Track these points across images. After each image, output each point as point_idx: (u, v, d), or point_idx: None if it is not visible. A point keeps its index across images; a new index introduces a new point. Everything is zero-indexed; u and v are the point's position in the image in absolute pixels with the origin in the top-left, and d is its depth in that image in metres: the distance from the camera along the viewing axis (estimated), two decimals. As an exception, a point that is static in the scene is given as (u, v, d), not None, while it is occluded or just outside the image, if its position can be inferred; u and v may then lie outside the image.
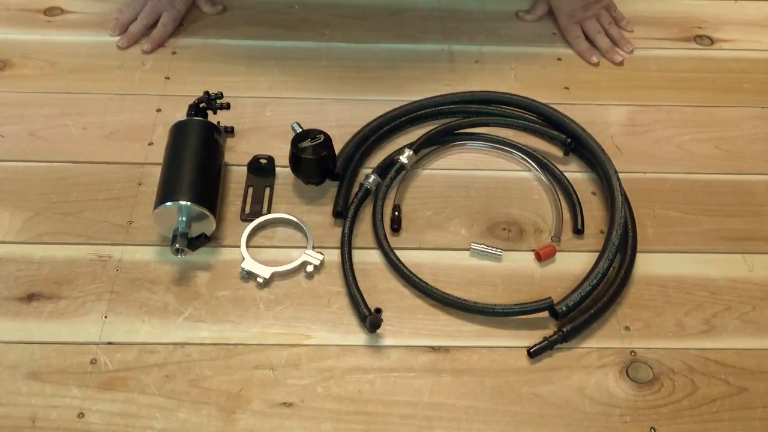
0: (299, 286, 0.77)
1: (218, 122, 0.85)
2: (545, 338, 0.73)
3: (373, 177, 0.83)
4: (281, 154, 0.85)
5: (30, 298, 0.74)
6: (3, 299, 0.74)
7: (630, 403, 0.70)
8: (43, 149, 0.87)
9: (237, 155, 0.87)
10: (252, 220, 0.80)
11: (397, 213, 0.82)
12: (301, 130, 0.82)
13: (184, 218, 0.74)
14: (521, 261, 0.80)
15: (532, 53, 1.03)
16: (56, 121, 0.90)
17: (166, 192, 0.75)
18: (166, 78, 0.96)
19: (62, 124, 0.90)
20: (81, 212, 0.81)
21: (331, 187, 0.84)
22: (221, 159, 0.83)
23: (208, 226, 0.76)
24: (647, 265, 0.80)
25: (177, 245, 0.73)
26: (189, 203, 0.74)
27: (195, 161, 0.78)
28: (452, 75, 0.99)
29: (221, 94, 0.86)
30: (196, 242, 0.75)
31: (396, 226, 0.81)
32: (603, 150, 0.86)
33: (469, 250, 0.80)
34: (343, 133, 0.87)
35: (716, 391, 0.71)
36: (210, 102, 0.85)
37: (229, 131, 0.88)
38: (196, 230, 0.76)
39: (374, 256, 0.79)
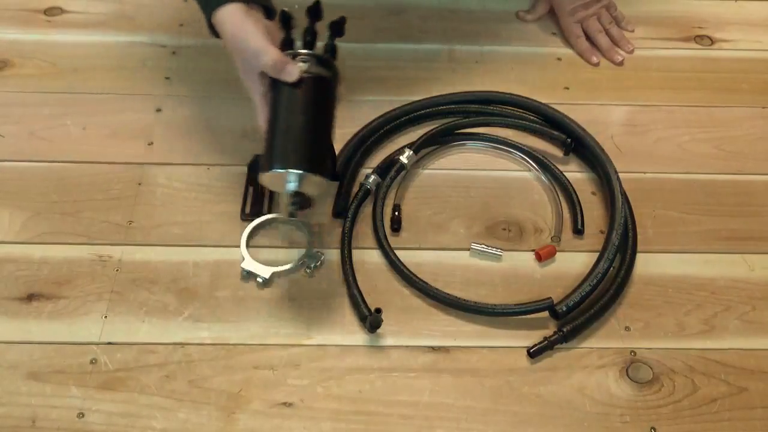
0: (299, 286, 0.77)
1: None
2: (545, 338, 0.73)
3: (373, 177, 0.83)
4: (281, 154, 0.85)
5: (30, 298, 0.74)
6: (3, 299, 0.74)
7: (630, 403, 0.70)
8: (43, 149, 0.87)
9: (237, 155, 0.87)
10: (252, 220, 0.80)
11: (397, 213, 0.82)
12: (301, 130, 0.82)
13: (294, 184, 0.69)
14: (521, 261, 0.80)
15: (532, 53, 1.03)
16: (56, 121, 0.90)
17: (313, 157, 0.69)
18: (166, 78, 0.96)
19: (62, 124, 0.90)
20: (81, 212, 0.81)
21: (331, 187, 0.84)
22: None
23: (316, 189, 0.72)
24: (647, 265, 0.80)
25: (292, 208, 0.70)
26: (327, 180, 0.70)
27: (330, 125, 0.72)
28: (452, 75, 0.99)
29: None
30: (305, 203, 0.71)
31: (396, 226, 0.81)
32: (603, 150, 0.86)
33: (469, 250, 0.80)
34: (343, 133, 0.87)
35: (716, 391, 0.71)
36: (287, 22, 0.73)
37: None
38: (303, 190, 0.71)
39: (374, 256, 0.79)
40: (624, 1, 1.09)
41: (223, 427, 0.67)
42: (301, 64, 0.70)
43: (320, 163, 0.70)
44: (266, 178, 0.70)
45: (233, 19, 0.72)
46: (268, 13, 0.74)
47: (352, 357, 0.72)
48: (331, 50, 0.73)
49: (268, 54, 0.70)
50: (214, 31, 0.75)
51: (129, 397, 0.68)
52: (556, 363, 0.72)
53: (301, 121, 0.70)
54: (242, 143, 0.88)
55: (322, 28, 0.73)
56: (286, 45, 0.72)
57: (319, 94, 0.71)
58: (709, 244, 0.82)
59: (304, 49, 0.72)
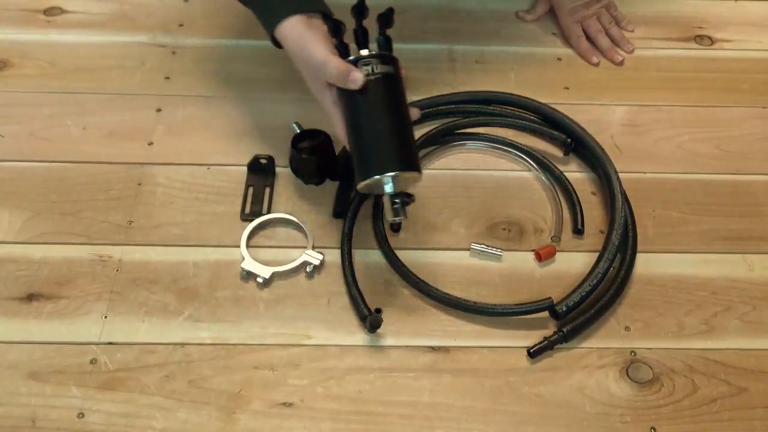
0: (299, 286, 0.77)
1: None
2: (545, 338, 0.73)
3: (373, 177, 0.83)
4: (281, 154, 0.85)
5: (30, 298, 0.74)
6: (3, 299, 0.74)
7: (630, 403, 0.70)
8: (43, 149, 0.87)
9: (237, 155, 0.87)
10: (252, 220, 0.80)
11: (397, 213, 0.82)
12: (301, 130, 0.82)
13: (391, 185, 0.69)
14: (521, 261, 0.80)
15: (532, 53, 1.03)
16: (56, 121, 0.90)
17: (404, 155, 0.70)
18: (166, 78, 0.96)
19: (62, 124, 0.90)
20: (81, 212, 0.81)
21: (331, 187, 0.84)
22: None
23: (412, 183, 0.72)
24: (647, 265, 0.80)
25: (396, 208, 0.69)
26: (420, 174, 0.70)
27: (407, 116, 0.72)
28: (452, 75, 0.99)
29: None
30: (408, 199, 0.71)
31: (396, 226, 0.81)
32: (603, 150, 0.86)
33: (469, 250, 0.80)
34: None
35: (716, 391, 0.71)
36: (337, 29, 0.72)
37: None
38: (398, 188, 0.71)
39: (374, 256, 0.79)
40: (624, 1, 1.09)
41: (223, 427, 0.67)
42: (365, 67, 0.70)
43: (411, 159, 0.70)
44: (364, 186, 0.70)
45: (295, 32, 0.73)
46: (327, 18, 0.74)
47: (352, 357, 0.72)
48: (385, 43, 0.73)
49: (332, 63, 0.70)
50: (276, 43, 0.75)
51: (129, 397, 0.68)
52: (556, 363, 0.72)
53: (382, 123, 0.70)
54: (242, 143, 0.88)
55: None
56: (342, 51, 0.72)
57: (390, 91, 0.72)
58: (709, 244, 0.82)
59: (360, 50, 0.72)
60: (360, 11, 0.71)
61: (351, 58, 0.71)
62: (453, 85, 0.96)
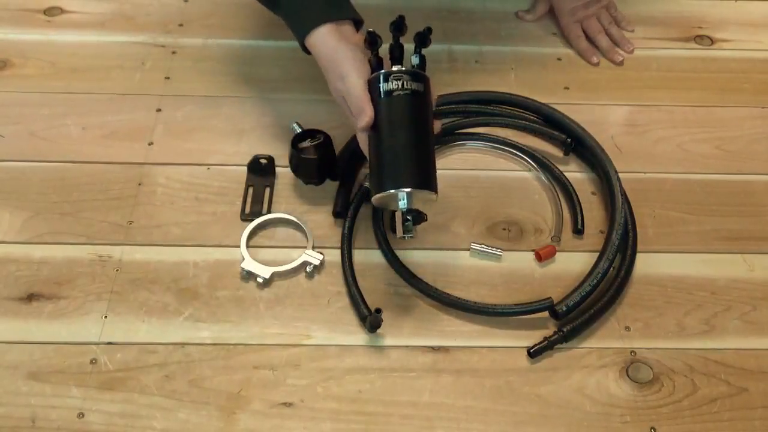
0: (299, 286, 0.77)
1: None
2: (545, 338, 0.73)
3: (373, 177, 0.83)
4: (281, 154, 0.85)
5: (30, 298, 0.74)
6: (3, 299, 0.74)
7: (630, 403, 0.70)
8: (43, 149, 0.87)
9: (237, 155, 0.87)
10: (252, 220, 0.80)
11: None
12: (301, 130, 0.82)
13: (404, 202, 0.69)
14: (521, 261, 0.80)
15: (532, 53, 1.03)
16: (56, 121, 0.90)
17: (421, 173, 0.70)
18: (166, 78, 0.96)
19: (62, 124, 0.90)
20: (81, 212, 0.81)
21: (331, 187, 0.84)
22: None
23: (426, 202, 0.72)
24: (647, 265, 0.80)
25: (407, 225, 0.70)
26: (436, 195, 0.71)
27: (431, 135, 0.73)
28: (452, 75, 0.99)
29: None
30: (419, 218, 0.71)
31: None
32: (603, 150, 0.86)
33: (469, 250, 0.80)
34: (343, 133, 0.87)
35: (716, 391, 0.71)
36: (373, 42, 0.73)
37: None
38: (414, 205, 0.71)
39: (374, 256, 0.79)
40: (624, 1, 1.09)
41: (223, 427, 0.67)
42: (396, 82, 0.71)
43: (428, 178, 0.71)
44: (377, 200, 0.70)
45: (327, 43, 0.73)
46: (357, 25, 0.75)
47: (352, 357, 0.72)
48: (420, 61, 0.74)
49: (354, 94, 0.71)
50: (307, 50, 0.76)
51: (129, 397, 0.68)
52: (556, 363, 0.72)
53: (403, 139, 0.71)
54: (242, 143, 0.88)
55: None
56: (376, 64, 0.73)
57: (417, 109, 0.72)
58: (709, 244, 0.82)
59: (393, 65, 0.73)
60: (399, 28, 0.72)
61: (383, 71, 0.72)
62: (453, 85, 0.96)
